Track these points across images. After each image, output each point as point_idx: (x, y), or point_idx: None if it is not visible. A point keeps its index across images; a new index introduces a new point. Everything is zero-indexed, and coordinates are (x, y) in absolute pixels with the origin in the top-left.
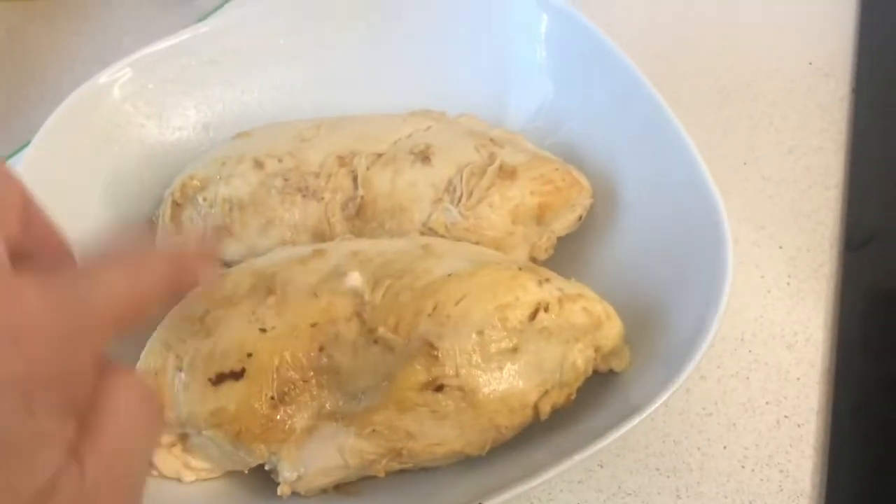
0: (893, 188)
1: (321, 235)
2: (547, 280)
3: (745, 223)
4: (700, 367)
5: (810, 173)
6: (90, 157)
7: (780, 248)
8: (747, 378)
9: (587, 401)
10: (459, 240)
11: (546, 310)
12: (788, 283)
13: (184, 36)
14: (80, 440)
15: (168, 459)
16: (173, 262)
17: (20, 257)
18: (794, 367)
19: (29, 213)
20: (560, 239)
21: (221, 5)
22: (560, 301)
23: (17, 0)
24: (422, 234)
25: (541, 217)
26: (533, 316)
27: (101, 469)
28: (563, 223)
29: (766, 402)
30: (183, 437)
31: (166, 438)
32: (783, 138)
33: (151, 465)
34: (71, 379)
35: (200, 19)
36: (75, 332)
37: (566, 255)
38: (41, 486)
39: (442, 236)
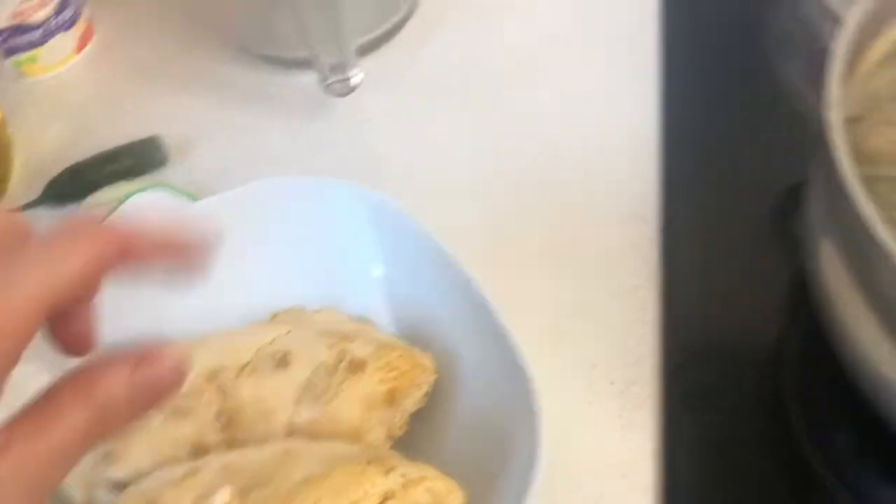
0: (703, 322)
1: (199, 448)
2: (392, 469)
3: (579, 364)
4: None
5: (629, 310)
6: None
7: (612, 383)
8: None
9: None
10: (321, 433)
11: (392, 497)
12: (620, 416)
13: None
14: None
15: None
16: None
17: None
18: (629, 493)
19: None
20: (412, 414)
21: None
22: (404, 486)
23: None
24: (288, 432)
25: (391, 400)
26: None
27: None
28: (411, 401)
29: None
30: None
31: None
32: (605, 283)
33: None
34: None
35: None
36: None
37: (419, 428)
38: None
39: (307, 432)
